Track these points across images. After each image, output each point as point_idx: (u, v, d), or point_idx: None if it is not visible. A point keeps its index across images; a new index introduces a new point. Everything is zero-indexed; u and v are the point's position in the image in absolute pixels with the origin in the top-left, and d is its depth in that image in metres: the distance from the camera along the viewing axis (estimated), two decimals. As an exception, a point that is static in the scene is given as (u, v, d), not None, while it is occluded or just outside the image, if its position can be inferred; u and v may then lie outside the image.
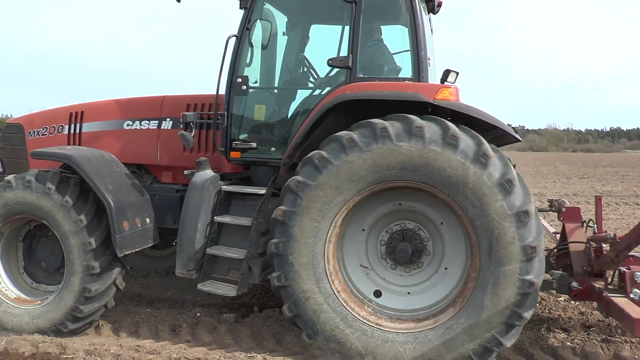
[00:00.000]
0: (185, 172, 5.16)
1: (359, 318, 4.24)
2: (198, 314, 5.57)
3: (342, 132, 4.22)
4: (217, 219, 4.86)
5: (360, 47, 5.03)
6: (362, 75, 4.75)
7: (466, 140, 4.04)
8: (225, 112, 5.01)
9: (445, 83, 4.51)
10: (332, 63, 4.78)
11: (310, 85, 5.31)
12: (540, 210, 5.41)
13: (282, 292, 4.28)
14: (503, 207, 3.93)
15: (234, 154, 5.03)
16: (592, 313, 5.56)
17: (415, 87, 4.45)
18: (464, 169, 3.98)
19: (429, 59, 4.75)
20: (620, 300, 4.17)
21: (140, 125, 5.67)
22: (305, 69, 5.48)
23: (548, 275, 5.39)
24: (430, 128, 4.07)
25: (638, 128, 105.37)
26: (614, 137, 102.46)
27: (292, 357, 4.16)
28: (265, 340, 4.90)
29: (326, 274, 4.26)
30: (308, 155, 4.27)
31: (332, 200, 4.17)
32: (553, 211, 5.47)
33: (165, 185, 5.65)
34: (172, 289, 6.46)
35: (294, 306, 4.25)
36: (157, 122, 5.63)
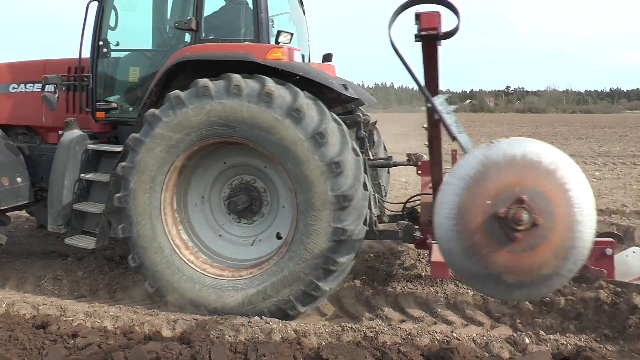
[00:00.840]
0: (60, 132, 5.43)
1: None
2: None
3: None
4: (83, 176, 5.16)
5: (220, 9, 5.25)
6: (211, 37, 4.96)
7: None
8: (91, 74, 5.25)
9: (279, 43, 4.71)
10: (177, 25, 4.96)
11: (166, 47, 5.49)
12: (398, 164, 5.64)
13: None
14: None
15: (99, 114, 5.30)
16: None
17: (246, 48, 4.63)
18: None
19: (273, 21, 4.94)
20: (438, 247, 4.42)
21: (25, 88, 5.90)
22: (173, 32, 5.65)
23: (395, 226, 5.67)
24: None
25: (638, 88, 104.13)
26: (614, 98, 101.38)
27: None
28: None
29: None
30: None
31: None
32: (411, 165, 5.65)
33: (52, 145, 5.86)
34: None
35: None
36: (40, 84, 5.86)
